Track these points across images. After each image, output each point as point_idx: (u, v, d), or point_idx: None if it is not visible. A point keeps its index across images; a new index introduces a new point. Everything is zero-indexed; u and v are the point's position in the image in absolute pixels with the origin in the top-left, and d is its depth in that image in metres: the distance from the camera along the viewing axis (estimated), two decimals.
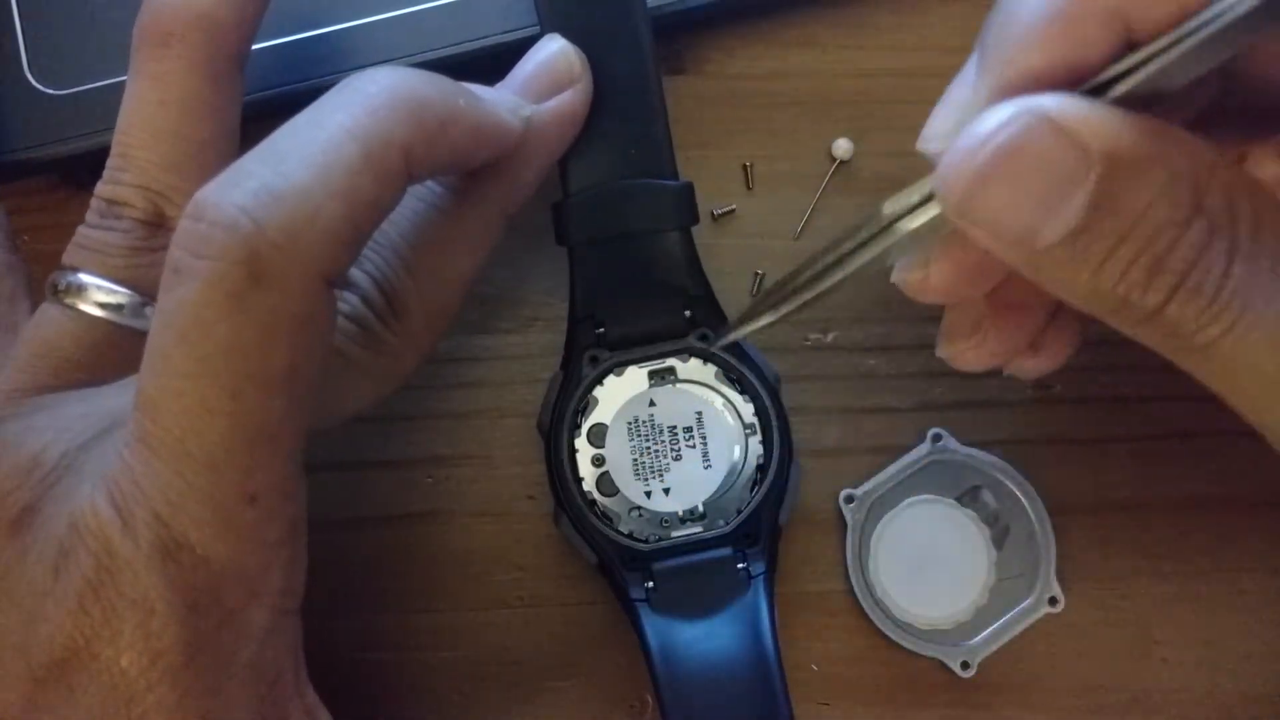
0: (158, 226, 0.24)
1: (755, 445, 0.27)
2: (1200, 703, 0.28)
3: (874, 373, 0.30)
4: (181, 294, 0.18)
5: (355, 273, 0.23)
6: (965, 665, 0.28)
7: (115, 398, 0.22)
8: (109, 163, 0.24)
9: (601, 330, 0.27)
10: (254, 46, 0.25)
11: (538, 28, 0.26)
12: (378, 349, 0.23)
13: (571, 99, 0.25)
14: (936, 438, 0.29)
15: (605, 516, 0.26)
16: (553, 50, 0.25)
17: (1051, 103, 0.18)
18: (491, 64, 0.26)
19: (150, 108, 0.24)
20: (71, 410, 0.21)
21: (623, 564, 0.26)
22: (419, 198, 0.24)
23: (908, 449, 0.29)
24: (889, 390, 0.30)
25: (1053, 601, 0.28)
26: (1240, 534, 0.29)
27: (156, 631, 0.19)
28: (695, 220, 0.27)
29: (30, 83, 0.29)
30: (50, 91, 0.29)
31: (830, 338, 0.30)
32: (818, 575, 0.29)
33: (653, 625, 0.25)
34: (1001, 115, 0.18)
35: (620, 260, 0.26)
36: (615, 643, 0.28)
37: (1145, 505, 0.29)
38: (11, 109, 0.29)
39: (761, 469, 0.26)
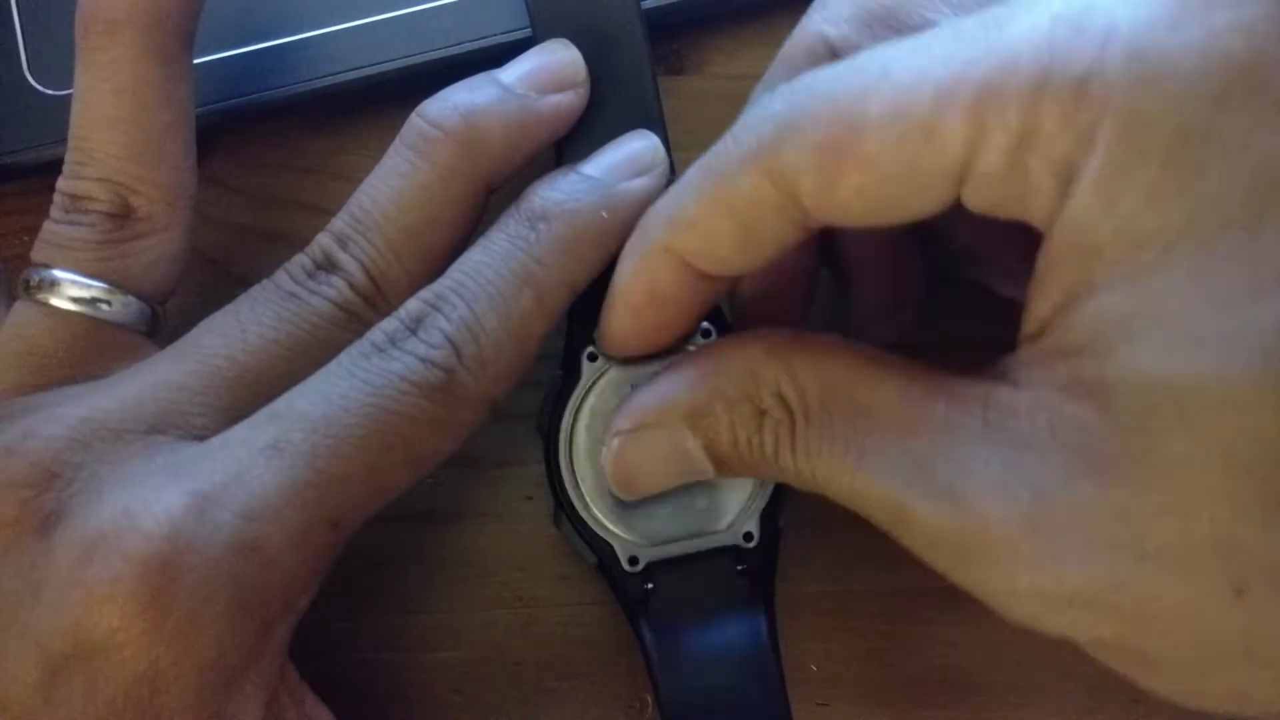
0: (124, 218, 0.24)
1: None
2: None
3: None
4: (384, 375, 0.22)
5: (343, 257, 0.24)
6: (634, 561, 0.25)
7: (108, 397, 0.22)
8: (68, 157, 0.24)
9: None
10: (255, 48, 0.25)
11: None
12: (361, 333, 0.23)
13: (570, 101, 0.25)
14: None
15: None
16: (560, 53, 0.25)
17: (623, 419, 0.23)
18: (491, 64, 0.26)
19: (104, 98, 0.23)
20: (68, 413, 0.21)
21: (622, 564, 0.26)
22: (401, 175, 0.24)
23: None
24: None
25: (747, 537, 0.26)
26: None
27: (204, 624, 0.19)
28: None
29: (30, 83, 0.29)
30: (50, 92, 0.29)
31: None
32: (818, 575, 0.29)
33: (652, 626, 0.25)
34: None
35: None
36: (615, 643, 0.28)
37: None
38: (11, 109, 0.29)
39: None
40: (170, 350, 0.23)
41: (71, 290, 0.23)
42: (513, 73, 0.25)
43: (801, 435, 0.21)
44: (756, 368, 0.22)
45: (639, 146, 0.25)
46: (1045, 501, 0.17)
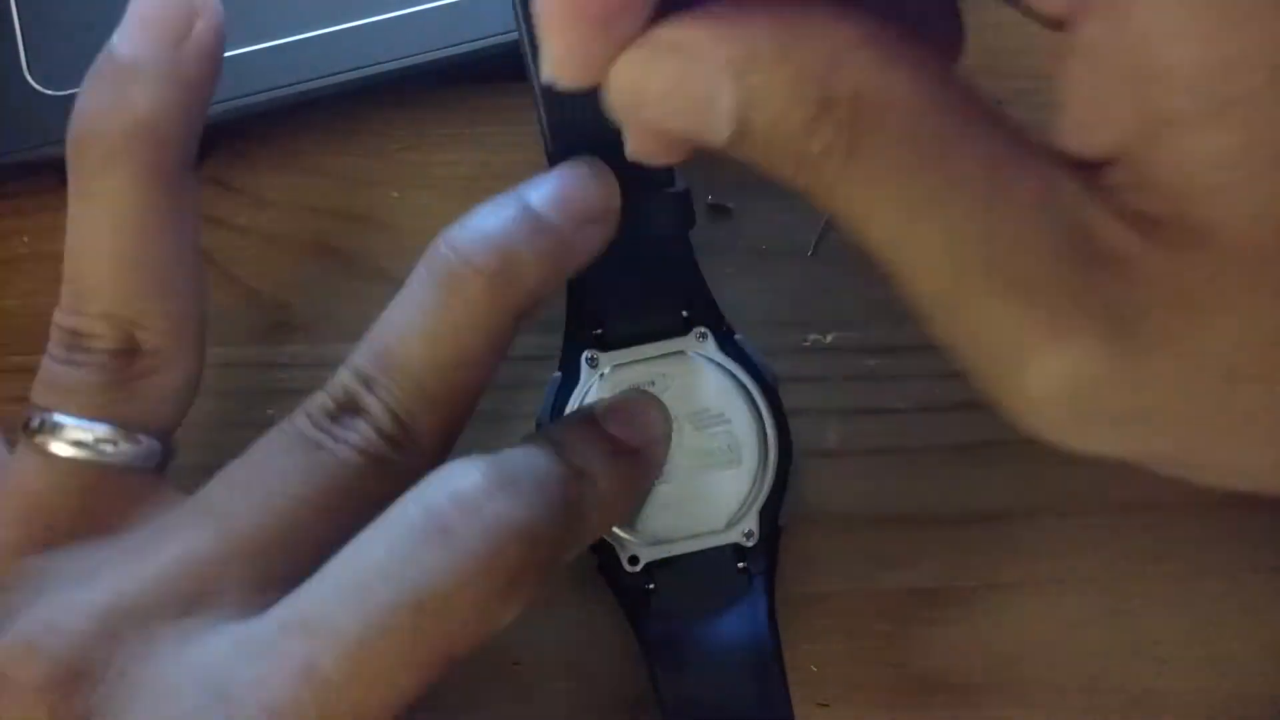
0: (131, 354, 0.22)
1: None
2: (1200, 703, 0.28)
3: (874, 374, 0.30)
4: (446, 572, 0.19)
5: (369, 400, 0.22)
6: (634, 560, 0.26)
7: (131, 575, 0.21)
8: (65, 289, 0.22)
9: (599, 331, 0.27)
10: (255, 48, 0.25)
11: None
12: (389, 477, 0.22)
13: (603, 232, 0.24)
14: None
15: None
16: (596, 179, 0.24)
17: (668, 30, 0.17)
18: (491, 64, 0.26)
19: (103, 234, 0.22)
20: (92, 599, 0.20)
21: (622, 564, 0.26)
22: (429, 311, 0.22)
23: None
24: (889, 391, 0.30)
25: (748, 536, 0.26)
26: (1240, 534, 0.29)
27: None
28: (692, 224, 0.27)
29: (30, 83, 0.29)
30: (50, 92, 0.29)
31: (830, 339, 0.30)
32: (818, 575, 0.29)
33: (653, 626, 0.25)
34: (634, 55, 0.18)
35: (618, 263, 0.26)
36: (615, 643, 0.28)
37: (1145, 505, 0.29)
38: (11, 109, 0.29)
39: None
40: (191, 510, 0.22)
41: (74, 434, 0.22)
42: (544, 196, 0.23)
43: (860, 155, 0.17)
44: (842, 51, 0.17)
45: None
46: (1130, 327, 0.16)
